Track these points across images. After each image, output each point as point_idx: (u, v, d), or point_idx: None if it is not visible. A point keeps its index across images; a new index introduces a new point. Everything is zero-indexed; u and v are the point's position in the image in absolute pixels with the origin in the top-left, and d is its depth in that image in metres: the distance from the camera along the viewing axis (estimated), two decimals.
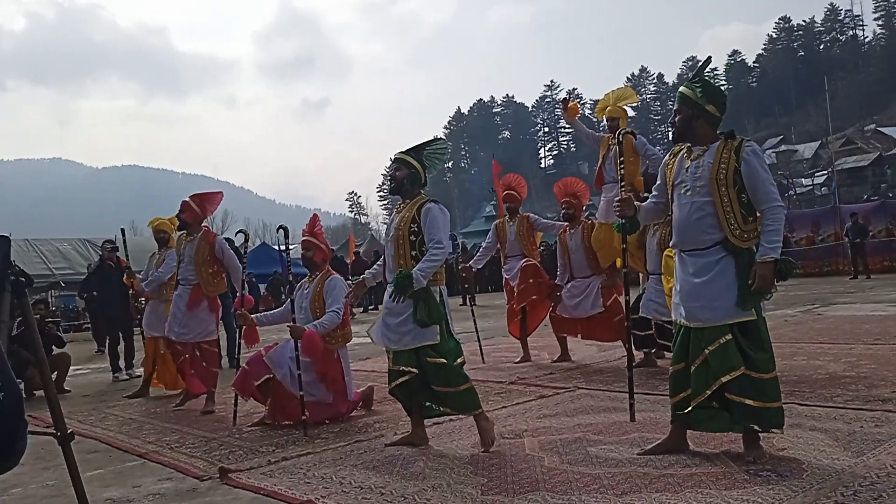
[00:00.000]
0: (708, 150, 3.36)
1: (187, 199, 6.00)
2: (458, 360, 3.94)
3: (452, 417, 4.69)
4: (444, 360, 3.87)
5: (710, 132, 3.40)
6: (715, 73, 3.57)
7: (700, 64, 3.58)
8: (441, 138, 4.22)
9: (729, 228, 3.28)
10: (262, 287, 23.28)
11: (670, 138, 3.58)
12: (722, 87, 3.60)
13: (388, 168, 4.13)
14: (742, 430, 3.31)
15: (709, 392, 3.28)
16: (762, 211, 3.29)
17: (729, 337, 3.25)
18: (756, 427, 3.27)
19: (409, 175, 4.05)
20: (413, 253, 3.92)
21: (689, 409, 3.37)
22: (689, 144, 3.46)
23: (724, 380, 3.23)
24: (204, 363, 5.85)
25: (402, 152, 4.12)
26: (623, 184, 4.01)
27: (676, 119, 3.45)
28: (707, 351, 3.27)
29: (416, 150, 4.11)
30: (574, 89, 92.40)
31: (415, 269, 3.83)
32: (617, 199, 3.66)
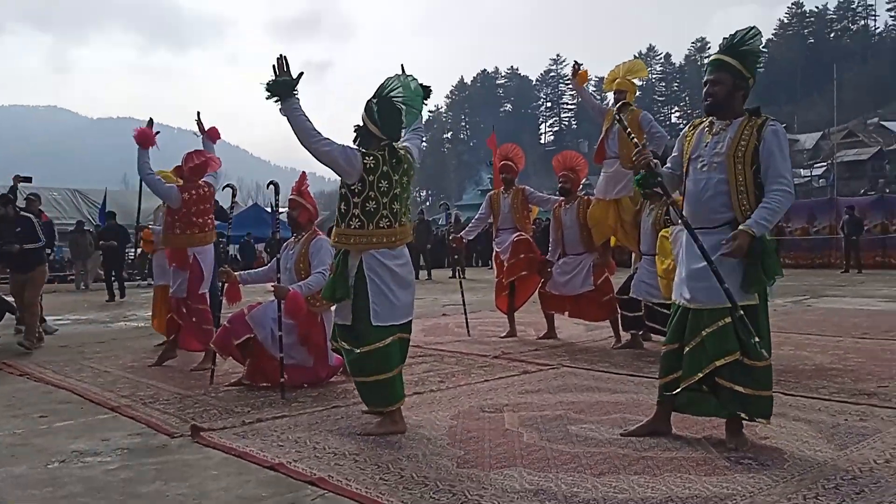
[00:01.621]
0: (730, 125, 3.22)
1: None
2: (361, 349, 3.53)
3: (433, 388, 4.64)
4: (347, 347, 3.60)
5: (741, 107, 3.26)
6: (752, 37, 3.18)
7: (745, 32, 3.26)
8: (394, 76, 3.64)
9: (740, 209, 3.16)
10: (236, 247, 23.12)
11: (704, 108, 3.33)
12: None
13: None
14: (728, 415, 3.25)
15: (700, 374, 3.20)
16: (768, 191, 3.14)
17: (728, 320, 3.15)
18: (742, 415, 3.20)
19: (358, 134, 3.65)
20: (343, 208, 3.59)
21: (678, 390, 3.29)
22: (711, 119, 3.32)
23: (718, 363, 3.14)
24: (194, 319, 5.72)
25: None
26: (640, 149, 3.44)
27: (715, 89, 3.24)
28: (704, 333, 3.18)
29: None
30: (580, 65, 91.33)
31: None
32: (637, 150, 3.38)
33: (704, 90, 3.31)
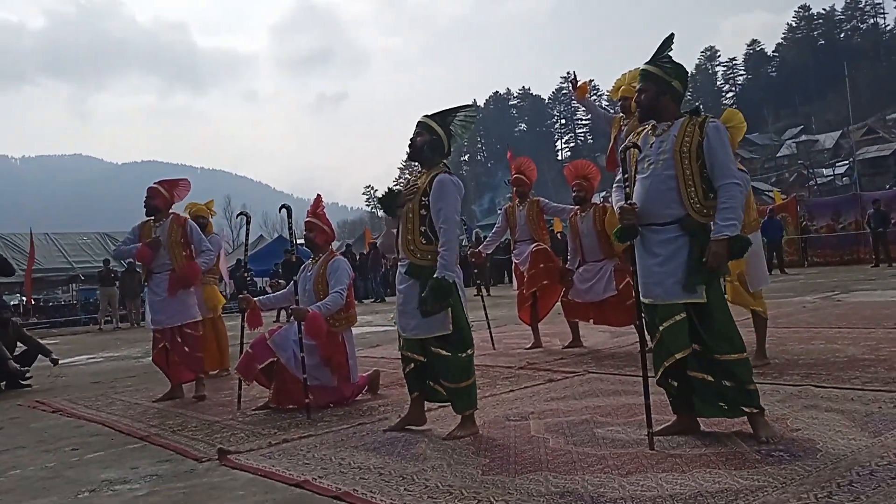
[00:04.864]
0: (672, 125, 3.33)
1: (154, 185, 5.95)
2: (467, 353, 3.71)
3: None
4: (448, 353, 3.69)
5: (675, 109, 3.39)
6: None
7: (662, 41, 3.44)
8: (471, 104, 3.84)
9: (689, 202, 3.22)
10: (266, 279, 23.09)
11: (638, 115, 3.54)
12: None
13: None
14: (716, 412, 3.26)
15: (662, 369, 3.27)
16: (718, 188, 3.22)
17: (683, 316, 3.21)
18: (723, 405, 3.21)
19: (430, 141, 3.74)
20: (422, 229, 3.68)
21: (657, 380, 3.32)
22: (653, 123, 3.42)
23: (678, 356, 3.19)
24: (186, 348, 5.65)
25: (426, 116, 3.81)
26: (626, 176, 3.53)
27: (642, 97, 3.40)
28: (661, 328, 3.24)
29: (441, 116, 3.80)
30: (591, 80, 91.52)
31: (438, 269, 3.62)
32: (619, 204, 3.45)
33: (634, 99, 3.51)
